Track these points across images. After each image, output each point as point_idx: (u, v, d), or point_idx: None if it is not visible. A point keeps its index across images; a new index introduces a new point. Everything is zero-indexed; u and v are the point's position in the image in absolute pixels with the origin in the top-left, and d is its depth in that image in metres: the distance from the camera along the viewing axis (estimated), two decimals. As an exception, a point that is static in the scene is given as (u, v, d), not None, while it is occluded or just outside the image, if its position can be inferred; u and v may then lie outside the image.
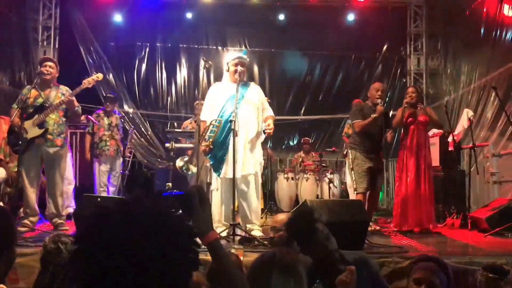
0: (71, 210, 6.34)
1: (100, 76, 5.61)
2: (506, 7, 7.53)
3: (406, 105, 5.98)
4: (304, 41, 10.58)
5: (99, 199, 4.83)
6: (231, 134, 4.75)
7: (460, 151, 7.55)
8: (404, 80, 10.65)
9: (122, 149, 7.41)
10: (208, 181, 6.59)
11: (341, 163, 9.07)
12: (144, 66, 10.49)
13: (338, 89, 10.81)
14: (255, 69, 10.38)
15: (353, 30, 10.41)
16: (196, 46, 10.64)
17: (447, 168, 7.30)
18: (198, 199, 1.47)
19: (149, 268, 0.95)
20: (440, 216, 6.71)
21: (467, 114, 7.07)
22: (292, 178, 8.89)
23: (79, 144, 7.72)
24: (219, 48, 10.73)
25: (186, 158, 5.25)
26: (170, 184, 5.81)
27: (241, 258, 3.49)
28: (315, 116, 10.69)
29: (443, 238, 5.55)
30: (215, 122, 5.00)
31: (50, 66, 5.45)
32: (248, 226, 4.99)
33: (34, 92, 5.35)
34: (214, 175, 5.16)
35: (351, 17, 10.44)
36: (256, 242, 4.38)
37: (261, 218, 5.91)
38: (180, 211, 1.41)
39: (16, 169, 6.49)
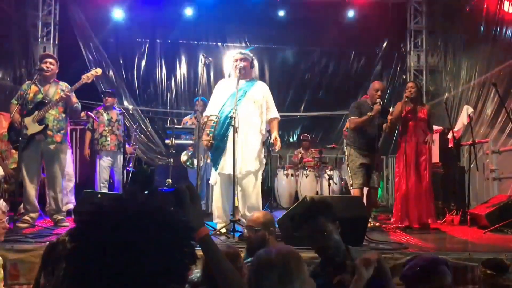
0: (71, 206, 6.35)
1: (99, 71, 5.61)
2: (506, 3, 7.52)
3: (406, 100, 5.96)
4: (304, 37, 10.57)
5: (99, 195, 4.84)
6: (230, 130, 4.76)
7: (460, 147, 7.55)
8: (404, 77, 10.65)
9: (124, 144, 7.42)
10: (207, 177, 6.62)
11: (340, 159, 9.07)
12: (143, 63, 10.48)
13: (338, 86, 10.81)
14: (255, 65, 10.37)
15: (353, 26, 10.40)
16: (195, 42, 10.63)
17: (446, 164, 7.30)
18: (189, 196, 1.49)
19: (146, 263, 0.95)
20: (440, 213, 6.72)
21: (467, 110, 7.07)
22: (292, 175, 8.90)
23: (79, 140, 7.72)
24: (219, 44, 10.72)
25: (191, 153, 5.27)
26: (170, 180, 5.82)
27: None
28: (315, 113, 10.69)
29: (442, 235, 5.56)
30: (215, 118, 5.02)
31: (50, 63, 5.46)
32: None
33: (34, 88, 5.35)
34: (213, 169, 5.18)
35: (351, 13, 10.42)
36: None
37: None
38: (172, 208, 1.42)
39: (13, 166, 6.53)
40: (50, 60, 5.51)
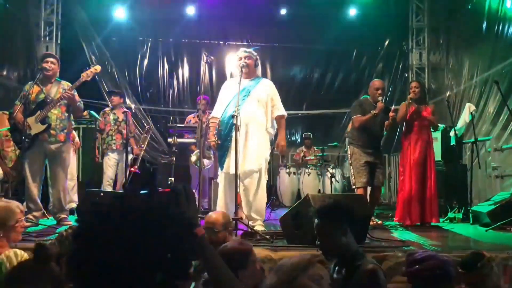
0: (74, 205, 6.38)
1: (98, 68, 5.62)
2: (508, 1, 7.50)
3: (410, 101, 5.96)
4: (306, 35, 10.55)
5: (101, 194, 4.86)
6: (233, 130, 4.79)
7: (462, 145, 7.55)
8: (406, 75, 10.64)
9: (133, 146, 7.44)
10: (210, 175, 6.64)
11: (343, 157, 9.08)
12: (146, 61, 10.50)
13: (340, 84, 10.81)
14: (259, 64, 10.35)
15: (355, 24, 10.39)
16: (197, 41, 10.63)
17: (449, 162, 7.30)
18: (185, 196, 1.50)
19: (149, 260, 0.96)
20: (442, 210, 6.71)
21: (469, 108, 7.06)
22: (294, 173, 8.91)
23: (81, 139, 7.74)
24: (221, 43, 10.73)
25: (200, 153, 5.28)
26: (172, 179, 5.84)
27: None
28: (317, 111, 10.69)
29: (444, 232, 5.57)
30: (217, 120, 5.07)
31: (51, 62, 5.46)
32: (251, 221, 5.02)
33: (36, 88, 5.37)
34: (219, 169, 5.22)
35: (353, 11, 10.42)
36: (258, 237, 4.39)
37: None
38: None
39: (10, 165, 6.54)
40: (51, 59, 5.52)
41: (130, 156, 7.29)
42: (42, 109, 5.28)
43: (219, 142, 5.04)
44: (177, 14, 10.31)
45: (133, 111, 9.99)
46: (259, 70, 5.53)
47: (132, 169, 7.32)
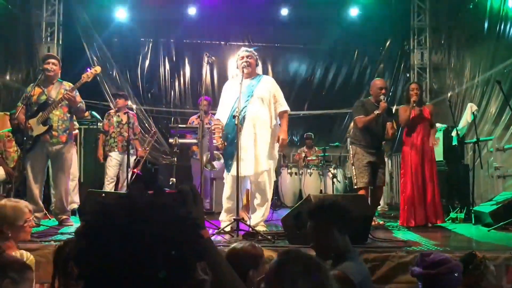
0: (75, 206, 6.38)
1: (98, 69, 5.62)
2: (510, 0, 7.49)
3: (414, 105, 5.95)
4: (307, 36, 10.56)
5: (103, 194, 4.86)
6: (240, 131, 4.80)
7: (464, 145, 7.54)
8: (408, 75, 10.64)
9: (138, 148, 7.45)
10: (211, 176, 6.64)
11: (344, 158, 9.08)
12: (147, 62, 10.52)
13: (342, 84, 10.82)
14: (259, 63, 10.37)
15: (356, 24, 10.39)
16: (199, 41, 10.64)
17: (450, 162, 7.29)
18: (192, 197, 1.48)
19: (155, 260, 0.95)
20: (444, 211, 6.69)
21: (471, 108, 7.05)
22: (296, 173, 8.90)
23: (83, 140, 7.76)
24: (222, 43, 10.73)
25: (210, 156, 5.28)
26: (173, 179, 5.84)
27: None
28: (319, 111, 10.68)
29: (446, 233, 5.55)
30: (220, 122, 5.07)
31: (53, 63, 5.47)
32: (255, 221, 5.02)
33: (37, 90, 5.37)
34: (225, 171, 5.23)
35: (354, 11, 10.41)
36: (260, 237, 4.39)
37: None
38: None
39: (11, 165, 6.56)
40: (53, 60, 5.52)
41: (133, 158, 7.30)
42: (43, 110, 5.29)
43: (225, 144, 5.04)
44: (179, 15, 10.32)
45: (135, 111, 10.01)
46: (259, 70, 5.53)
47: (134, 170, 7.34)
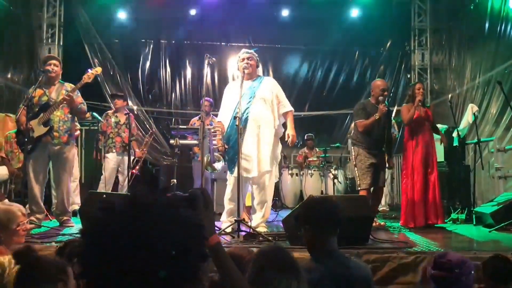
0: (76, 207, 6.38)
1: (99, 69, 5.64)
2: (511, 1, 7.49)
3: (420, 104, 5.94)
4: (308, 37, 10.56)
5: (104, 196, 4.86)
6: (244, 133, 4.80)
7: (465, 146, 7.53)
8: (409, 76, 10.64)
9: (136, 149, 7.45)
10: (212, 177, 6.63)
11: (345, 158, 9.07)
12: (148, 63, 10.52)
13: (342, 85, 10.82)
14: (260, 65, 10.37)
15: (357, 25, 10.40)
16: (200, 42, 10.65)
17: (451, 163, 7.29)
18: (203, 201, 1.47)
19: (159, 260, 0.95)
20: (445, 212, 6.69)
21: (471, 109, 7.05)
22: (297, 174, 8.90)
23: (84, 141, 7.76)
24: (223, 44, 10.74)
25: (210, 158, 5.28)
26: (175, 180, 5.84)
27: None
28: (319, 112, 10.68)
29: (448, 233, 5.55)
30: (221, 125, 5.08)
31: (54, 64, 5.48)
32: (256, 222, 5.01)
33: (39, 91, 5.38)
34: (229, 173, 5.22)
35: (355, 12, 10.42)
36: (261, 238, 4.39)
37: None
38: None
39: (18, 166, 6.58)
40: (54, 61, 5.53)
41: (132, 158, 7.31)
42: (45, 111, 5.29)
43: (226, 146, 5.03)
44: (179, 16, 10.34)
45: (136, 112, 10.02)
46: (260, 71, 5.54)
47: (133, 171, 7.34)
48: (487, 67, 7.95)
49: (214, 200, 7.08)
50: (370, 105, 5.94)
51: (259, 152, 4.97)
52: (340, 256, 2.43)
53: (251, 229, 4.66)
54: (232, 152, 5.04)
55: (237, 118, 4.71)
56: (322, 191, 8.51)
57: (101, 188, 6.95)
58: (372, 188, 5.87)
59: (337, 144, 9.04)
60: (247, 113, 4.98)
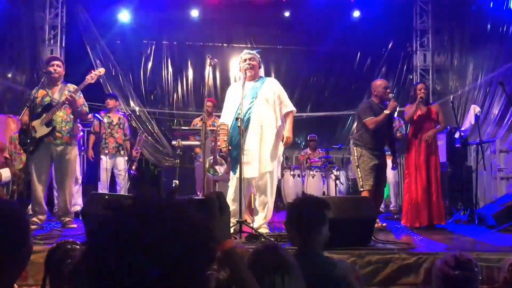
0: (78, 208, 6.39)
1: (102, 70, 5.64)
2: (513, 1, 7.49)
3: (420, 100, 5.94)
4: (310, 38, 10.57)
5: (106, 197, 4.86)
6: (246, 133, 4.80)
7: (467, 147, 7.52)
8: (411, 77, 10.62)
9: (127, 148, 7.46)
10: (214, 178, 6.62)
11: (347, 159, 9.05)
12: (150, 64, 10.53)
13: (344, 86, 10.82)
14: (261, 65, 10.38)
15: (358, 26, 10.39)
16: (201, 43, 10.66)
17: (454, 164, 7.28)
18: (218, 205, 1.45)
19: (164, 262, 0.95)
20: (447, 212, 6.69)
21: (474, 110, 7.04)
22: (299, 175, 8.89)
23: (86, 142, 7.78)
24: (225, 45, 10.75)
25: (212, 161, 5.27)
26: (177, 181, 5.83)
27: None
28: (321, 113, 10.68)
29: (450, 234, 5.54)
30: (226, 126, 5.07)
31: (57, 65, 5.48)
32: (258, 223, 5.01)
33: (41, 92, 5.39)
34: (231, 173, 5.21)
35: (356, 13, 10.42)
36: (262, 239, 4.39)
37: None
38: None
39: (20, 167, 6.59)
40: (57, 62, 5.54)
41: (125, 159, 7.34)
42: (47, 112, 5.30)
43: (230, 148, 5.03)
44: (181, 17, 10.34)
45: (138, 113, 10.03)
46: (262, 71, 5.55)
47: (130, 171, 7.37)
48: (489, 67, 7.94)
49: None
50: (374, 104, 5.91)
51: (261, 152, 4.97)
52: (315, 256, 2.40)
53: (253, 230, 4.66)
54: (235, 153, 5.03)
55: (240, 119, 4.71)
56: (324, 192, 8.50)
57: (100, 189, 6.97)
58: (374, 190, 5.87)
59: (339, 145, 9.03)
60: (249, 114, 4.98)
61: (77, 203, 6.58)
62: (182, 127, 7.45)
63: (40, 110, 5.33)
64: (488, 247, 4.60)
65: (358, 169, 5.84)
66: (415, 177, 5.91)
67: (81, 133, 7.14)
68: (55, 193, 6.20)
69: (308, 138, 9.79)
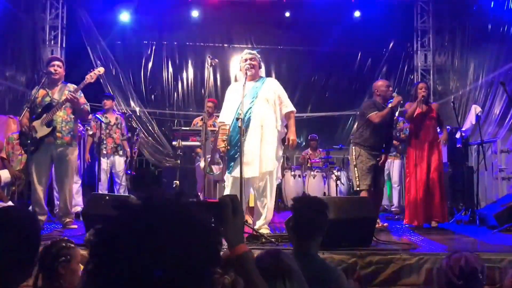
0: (79, 208, 6.39)
1: (101, 69, 5.63)
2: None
3: (422, 99, 5.93)
4: (310, 38, 10.56)
5: (107, 197, 4.86)
6: (246, 133, 4.80)
7: (468, 147, 7.52)
8: (411, 77, 10.61)
9: (127, 149, 7.45)
10: (215, 179, 6.61)
11: (348, 160, 9.04)
12: (150, 65, 10.53)
13: (345, 86, 10.81)
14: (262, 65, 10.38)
15: (359, 26, 10.39)
16: (202, 44, 10.66)
17: (455, 164, 7.27)
18: (232, 209, 1.43)
19: (170, 263, 0.94)
20: (449, 212, 6.67)
21: (475, 110, 7.04)
22: (299, 176, 8.88)
23: (86, 142, 7.77)
24: (225, 45, 10.74)
25: (209, 160, 5.26)
26: (177, 182, 5.83)
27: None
28: (322, 113, 10.67)
29: (451, 235, 5.53)
30: (227, 126, 5.06)
31: (57, 65, 5.48)
32: (259, 223, 5.00)
33: (42, 92, 5.39)
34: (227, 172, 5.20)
35: (357, 13, 10.41)
36: (263, 240, 4.38)
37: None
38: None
39: (18, 168, 6.58)
40: (57, 62, 5.53)
41: (123, 159, 7.33)
42: (48, 112, 5.29)
43: (228, 147, 5.02)
44: (182, 18, 10.35)
45: (138, 114, 10.03)
46: (262, 71, 5.54)
47: (127, 171, 7.36)
48: (490, 67, 7.94)
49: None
50: (378, 103, 5.85)
51: (262, 152, 4.95)
52: (311, 260, 2.42)
53: (254, 231, 4.65)
54: (232, 151, 5.02)
55: (239, 119, 4.70)
56: (324, 192, 8.49)
57: (100, 190, 6.96)
58: (372, 190, 5.86)
59: (340, 145, 9.02)
60: (250, 113, 4.97)
61: (78, 203, 6.58)
62: (183, 128, 7.45)
63: (40, 110, 5.32)
64: (489, 247, 4.59)
65: (356, 169, 5.79)
66: (416, 175, 5.90)
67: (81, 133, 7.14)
68: (56, 194, 6.20)
69: (309, 138, 9.79)
